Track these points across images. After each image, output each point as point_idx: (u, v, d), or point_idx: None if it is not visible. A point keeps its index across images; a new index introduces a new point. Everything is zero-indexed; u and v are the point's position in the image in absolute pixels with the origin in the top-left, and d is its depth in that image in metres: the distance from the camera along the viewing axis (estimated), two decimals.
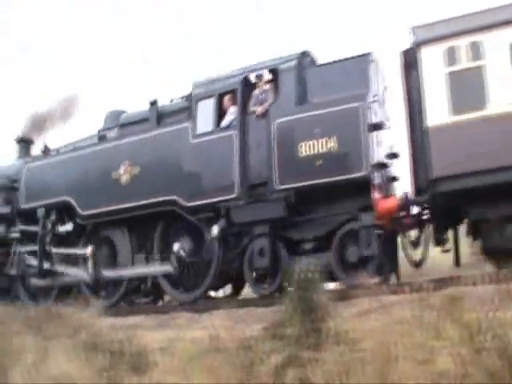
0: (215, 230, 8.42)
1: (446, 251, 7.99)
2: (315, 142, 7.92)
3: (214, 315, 7.21)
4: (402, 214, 7.71)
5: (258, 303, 7.52)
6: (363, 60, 8.34)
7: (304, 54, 8.88)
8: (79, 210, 9.59)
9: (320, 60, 9.11)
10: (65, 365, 5.85)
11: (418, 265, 8.02)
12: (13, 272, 10.00)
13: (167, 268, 8.80)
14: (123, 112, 10.73)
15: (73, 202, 9.65)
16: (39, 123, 12.03)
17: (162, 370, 5.58)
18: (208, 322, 6.71)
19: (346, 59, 8.54)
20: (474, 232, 7.47)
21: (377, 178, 7.78)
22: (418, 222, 8.02)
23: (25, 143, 11.45)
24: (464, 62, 7.33)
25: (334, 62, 8.72)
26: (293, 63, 8.55)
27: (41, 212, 9.83)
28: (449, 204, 7.34)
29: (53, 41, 36.47)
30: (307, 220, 8.15)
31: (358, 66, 8.30)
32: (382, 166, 7.98)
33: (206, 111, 8.91)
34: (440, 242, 7.84)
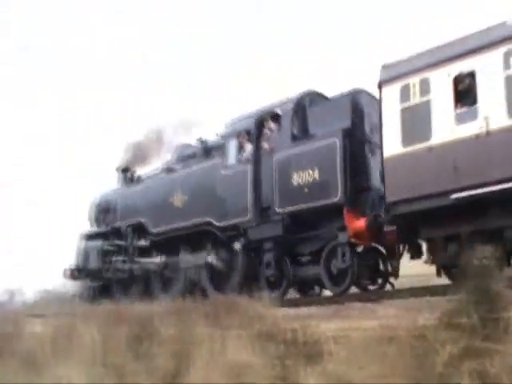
0: (237, 245, 10.43)
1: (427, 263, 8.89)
2: (303, 173, 9.45)
3: (387, 305, 7.16)
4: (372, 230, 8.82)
5: (432, 292, 7.50)
6: (348, 97, 9.59)
7: (305, 94, 10.38)
8: (149, 229, 12.32)
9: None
10: (241, 353, 6.08)
11: (395, 275, 9.09)
12: (109, 275, 13.09)
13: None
14: (188, 145, 13.22)
15: (145, 222, 12.41)
16: (137, 153, 15.08)
17: (336, 359, 5.65)
18: (381, 311, 6.69)
19: (338, 96, 9.88)
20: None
21: (354, 202, 9.04)
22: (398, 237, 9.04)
23: (123, 172, 14.61)
24: (414, 99, 8.26)
25: (330, 98, 10.10)
26: (290, 106, 10.14)
27: (124, 230, 12.80)
28: (405, 224, 8.35)
29: (53, 41, 36.82)
30: (304, 237, 9.71)
31: (344, 103, 9.59)
32: (361, 191, 9.19)
33: (232, 147, 10.92)
34: (414, 255, 8.80)
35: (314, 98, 10.47)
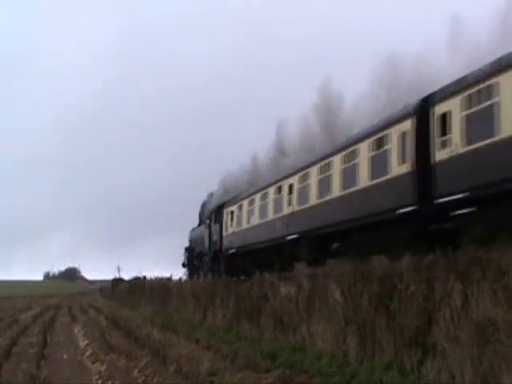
0: (205, 258, 26.84)
1: None
2: (213, 236, 25.25)
3: None
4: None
5: None
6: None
7: (221, 204, 25.95)
8: (195, 250, 29.45)
9: None
10: (488, 310, 5.88)
11: None
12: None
13: None
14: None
15: (194, 246, 29.52)
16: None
17: None
18: None
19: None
20: None
21: (221, 248, 24.57)
22: None
23: (199, 217, 31.77)
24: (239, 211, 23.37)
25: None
26: (216, 207, 25.88)
27: (190, 249, 30.26)
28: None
29: None
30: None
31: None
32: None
33: (208, 220, 27.21)
34: None
35: (226, 202, 25.82)
